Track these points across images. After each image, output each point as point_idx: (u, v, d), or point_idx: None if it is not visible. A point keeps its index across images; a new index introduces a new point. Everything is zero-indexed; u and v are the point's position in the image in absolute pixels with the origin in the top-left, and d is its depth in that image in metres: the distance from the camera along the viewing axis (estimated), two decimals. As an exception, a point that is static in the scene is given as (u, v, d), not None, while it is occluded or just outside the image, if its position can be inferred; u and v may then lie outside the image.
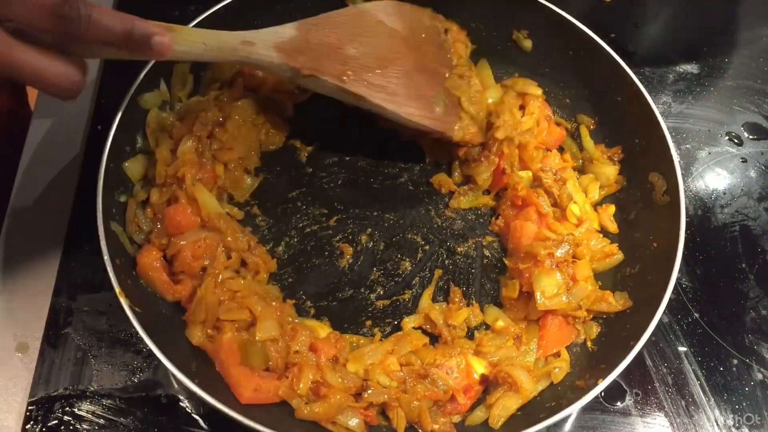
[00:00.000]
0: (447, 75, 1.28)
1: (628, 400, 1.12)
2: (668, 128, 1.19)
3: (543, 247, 1.11)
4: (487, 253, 1.24)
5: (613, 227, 1.23)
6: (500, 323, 1.13)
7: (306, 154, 1.31)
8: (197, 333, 1.04)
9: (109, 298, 0.97)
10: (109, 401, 1.05)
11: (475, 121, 1.28)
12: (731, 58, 1.56)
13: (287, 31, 1.15)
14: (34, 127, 1.31)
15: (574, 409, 0.96)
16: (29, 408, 1.04)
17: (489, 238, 1.25)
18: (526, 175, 1.25)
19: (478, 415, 1.05)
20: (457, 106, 1.27)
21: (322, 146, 1.32)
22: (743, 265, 1.29)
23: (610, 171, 1.26)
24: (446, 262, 1.22)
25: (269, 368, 1.02)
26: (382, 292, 1.18)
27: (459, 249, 1.23)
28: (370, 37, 1.21)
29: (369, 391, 1.02)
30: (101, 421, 1.04)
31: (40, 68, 0.80)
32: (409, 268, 1.21)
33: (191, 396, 1.06)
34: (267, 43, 1.11)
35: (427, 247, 1.23)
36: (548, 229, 1.18)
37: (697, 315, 1.22)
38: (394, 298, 1.17)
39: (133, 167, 1.16)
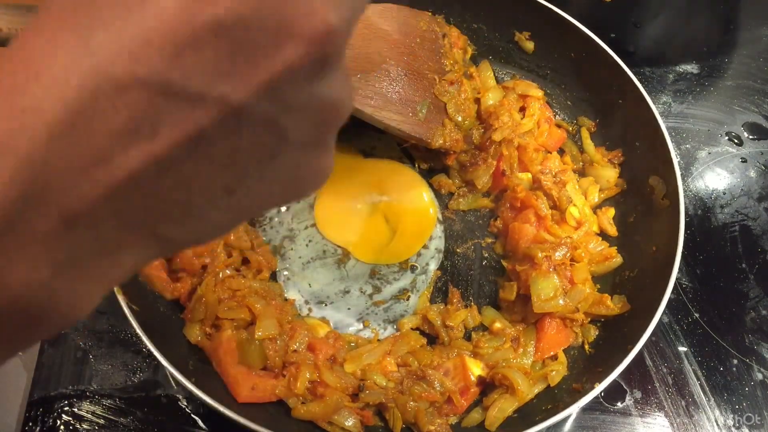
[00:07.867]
0: (437, 81, 1.26)
1: (628, 400, 1.13)
2: (668, 128, 1.19)
3: (541, 250, 1.11)
4: (485, 254, 1.23)
5: (612, 230, 1.22)
6: (498, 325, 1.12)
7: (305, 154, 1.30)
8: (195, 331, 1.04)
9: (109, 298, 0.97)
10: (109, 401, 1.06)
11: (460, 128, 1.26)
12: (731, 58, 1.55)
13: None
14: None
15: (570, 412, 0.96)
16: (29, 408, 1.04)
17: (488, 240, 1.25)
18: (525, 177, 1.25)
19: (475, 416, 1.04)
20: (442, 113, 1.25)
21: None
22: (743, 265, 1.28)
23: (610, 174, 1.26)
24: (445, 263, 1.22)
25: (267, 367, 1.02)
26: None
27: (458, 250, 1.23)
28: (357, 39, 1.20)
29: (366, 392, 1.02)
30: (101, 421, 1.04)
31: None
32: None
33: (191, 396, 1.06)
34: None
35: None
36: (547, 231, 1.17)
37: (697, 315, 1.21)
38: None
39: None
